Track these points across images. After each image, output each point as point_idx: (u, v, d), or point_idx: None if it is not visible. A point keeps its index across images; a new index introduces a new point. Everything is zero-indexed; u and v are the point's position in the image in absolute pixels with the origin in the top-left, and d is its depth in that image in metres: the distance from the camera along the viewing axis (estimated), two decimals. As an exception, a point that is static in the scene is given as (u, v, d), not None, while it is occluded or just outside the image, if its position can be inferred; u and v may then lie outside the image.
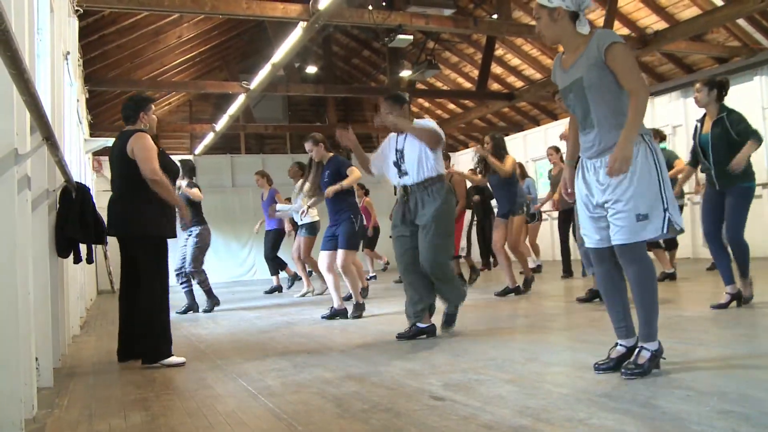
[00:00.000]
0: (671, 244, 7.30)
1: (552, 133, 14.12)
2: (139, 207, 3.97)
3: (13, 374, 2.47)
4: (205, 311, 7.25)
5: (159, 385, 3.42)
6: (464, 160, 16.77)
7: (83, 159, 8.59)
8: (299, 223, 8.29)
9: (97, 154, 11.01)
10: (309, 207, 6.86)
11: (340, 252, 5.72)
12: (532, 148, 14.06)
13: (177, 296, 7.45)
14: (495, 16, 10.30)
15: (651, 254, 8.23)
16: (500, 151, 6.80)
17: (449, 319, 4.50)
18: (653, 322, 2.85)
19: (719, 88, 4.69)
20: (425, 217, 4.23)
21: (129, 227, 4.01)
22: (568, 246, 8.25)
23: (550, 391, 2.67)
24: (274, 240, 9.44)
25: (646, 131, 2.87)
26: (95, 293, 11.30)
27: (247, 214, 15.01)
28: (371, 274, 10.90)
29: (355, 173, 5.75)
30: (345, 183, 5.75)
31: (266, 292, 9.46)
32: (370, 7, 8.09)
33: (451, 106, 15.72)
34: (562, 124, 13.85)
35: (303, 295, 8.57)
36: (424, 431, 2.25)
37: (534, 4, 2.98)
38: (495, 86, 13.89)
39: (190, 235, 7.26)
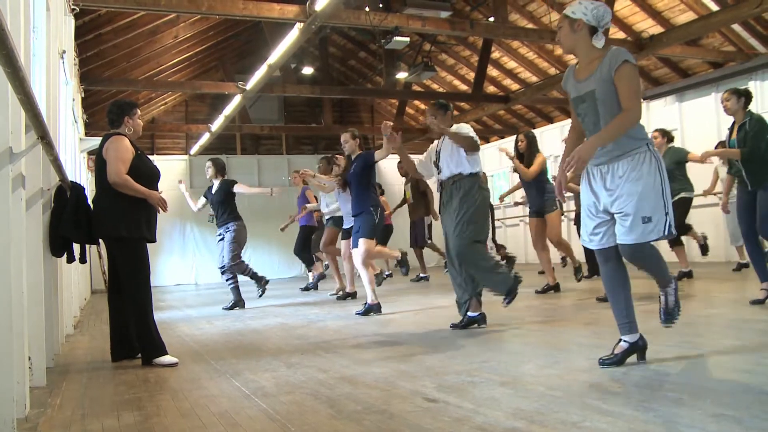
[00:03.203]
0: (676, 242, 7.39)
1: (548, 135, 14.15)
2: (111, 209, 3.97)
3: (5, 373, 2.46)
4: (225, 308, 7.32)
5: (152, 384, 3.42)
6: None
7: (78, 158, 8.58)
8: (326, 216, 8.50)
9: (92, 153, 10.92)
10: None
11: (361, 241, 5.96)
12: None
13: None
14: (491, 19, 10.32)
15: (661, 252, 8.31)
16: (533, 149, 7.05)
17: (461, 323, 4.69)
18: (667, 276, 3.22)
19: (746, 96, 5.03)
20: (451, 208, 4.65)
21: (103, 229, 4.02)
22: None
23: (544, 393, 2.67)
24: (305, 236, 9.64)
25: (649, 140, 3.08)
26: (89, 293, 11.27)
27: (243, 213, 14.94)
28: (386, 273, 11.20)
29: (380, 153, 6.02)
30: (378, 154, 6.06)
31: (302, 289, 9.66)
32: (367, 9, 8.09)
33: (447, 108, 15.72)
34: (558, 127, 13.91)
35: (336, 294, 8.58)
36: (418, 433, 2.25)
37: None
38: (491, 89, 13.92)
39: (226, 232, 7.29)
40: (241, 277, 7.56)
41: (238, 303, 7.45)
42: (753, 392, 2.50)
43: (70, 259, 4.43)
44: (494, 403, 2.55)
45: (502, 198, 8.12)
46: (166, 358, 3.94)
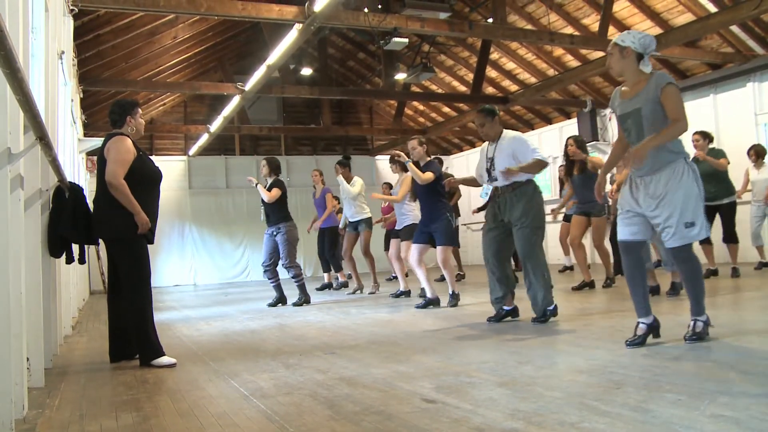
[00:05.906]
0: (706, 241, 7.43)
1: (546, 137, 14.16)
2: (112, 209, 3.94)
3: (3, 374, 2.46)
4: (294, 304, 7.35)
5: (151, 385, 3.42)
6: (458, 163, 16.78)
7: (77, 159, 8.58)
8: (351, 220, 8.53)
9: (90, 154, 10.97)
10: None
11: (440, 249, 6.23)
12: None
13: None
14: (490, 20, 10.33)
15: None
16: (583, 153, 7.12)
17: (540, 317, 4.79)
18: (701, 302, 3.60)
19: None
20: (516, 214, 4.77)
21: (103, 229, 4.01)
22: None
23: (542, 394, 2.67)
24: (331, 237, 9.61)
25: (686, 153, 3.53)
26: (87, 293, 11.26)
27: (240, 214, 15.05)
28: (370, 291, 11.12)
29: (427, 175, 6.23)
30: (419, 175, 6.23)
31: (335, 289, 9.65)
32: (366, 10, 8.09)
33: (446, 109, 15.74)
34: (556, 128, 13.92)
35: (353, 292, 8.60)
36: (416, 434, 2.25)
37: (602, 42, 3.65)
38: (490, 90, 13.93)
39: (278, 233, 7.30)
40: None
41: (282, 299, 7.58)
42: (751, 393, 2.50)
43: (69, 260, 4.42)
44: (493, 404, 2.55)
45: (555, 213, 7.97)
46: (164, 359, 3.94)
